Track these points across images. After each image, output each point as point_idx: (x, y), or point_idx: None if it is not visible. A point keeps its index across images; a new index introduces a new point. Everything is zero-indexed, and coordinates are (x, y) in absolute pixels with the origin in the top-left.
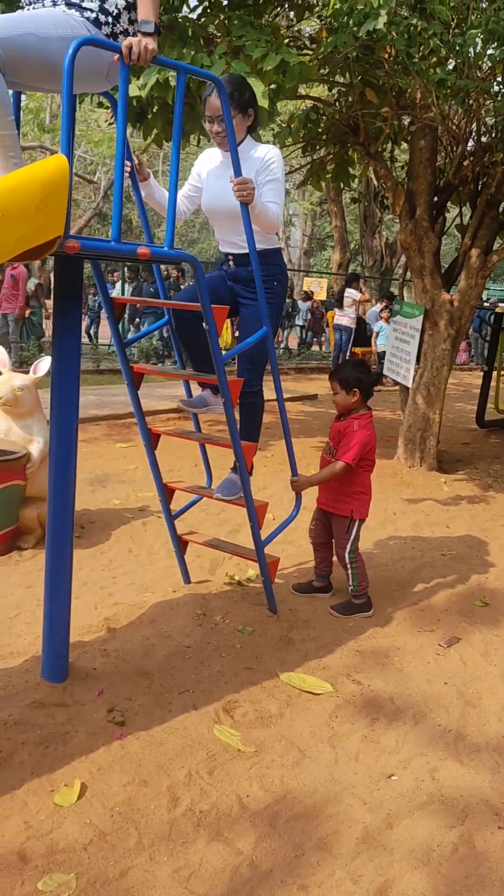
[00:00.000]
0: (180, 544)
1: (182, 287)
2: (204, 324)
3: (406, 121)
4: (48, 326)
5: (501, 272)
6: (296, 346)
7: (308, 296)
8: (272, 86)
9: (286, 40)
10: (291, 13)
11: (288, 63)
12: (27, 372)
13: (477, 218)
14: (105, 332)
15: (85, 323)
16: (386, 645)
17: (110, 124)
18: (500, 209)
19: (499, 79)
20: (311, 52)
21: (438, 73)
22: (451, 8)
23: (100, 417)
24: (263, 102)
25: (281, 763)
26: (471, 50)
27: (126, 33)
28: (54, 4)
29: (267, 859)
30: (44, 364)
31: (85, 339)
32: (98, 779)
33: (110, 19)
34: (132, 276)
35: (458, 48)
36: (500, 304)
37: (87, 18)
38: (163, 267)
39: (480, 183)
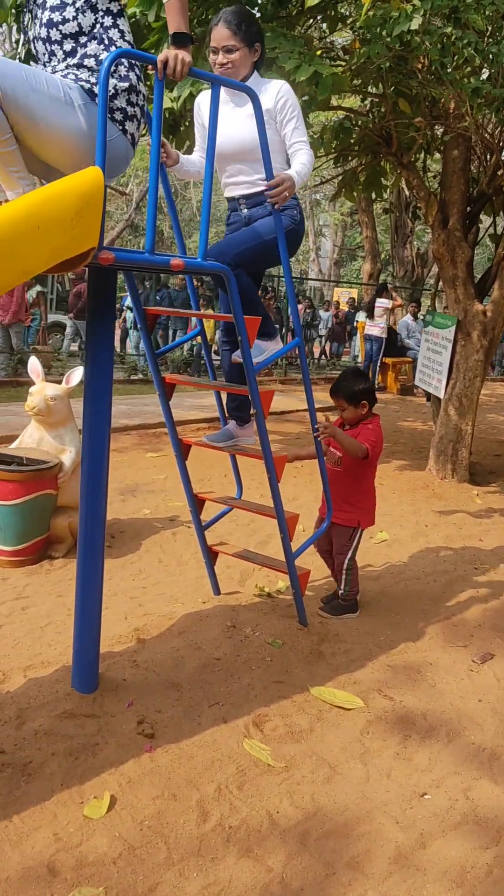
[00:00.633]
0: (210, 555)
1: (200, 297)
2: (238, 335)
3: (439, 130)
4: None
5: None
6: (317, 356)
7: (329, 305)
8: (304, 97)
9: (319, 52)
10: (324, 24)
11: (321, 74)
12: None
13: None
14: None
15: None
16: (418, 660)
17: (143, 135)
18: None
19: None
20: (343, 63)
21: (473, 82)
22: (486, 17)
23: (130, 427)
24: None
25: (311, 779)
26: None
27: (123, 112)
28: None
29: (297, 877)
30: (76, 374)
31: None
32: (127, 791)
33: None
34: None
35: (492, 57)
36: None
37: (82, 87)
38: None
39: None
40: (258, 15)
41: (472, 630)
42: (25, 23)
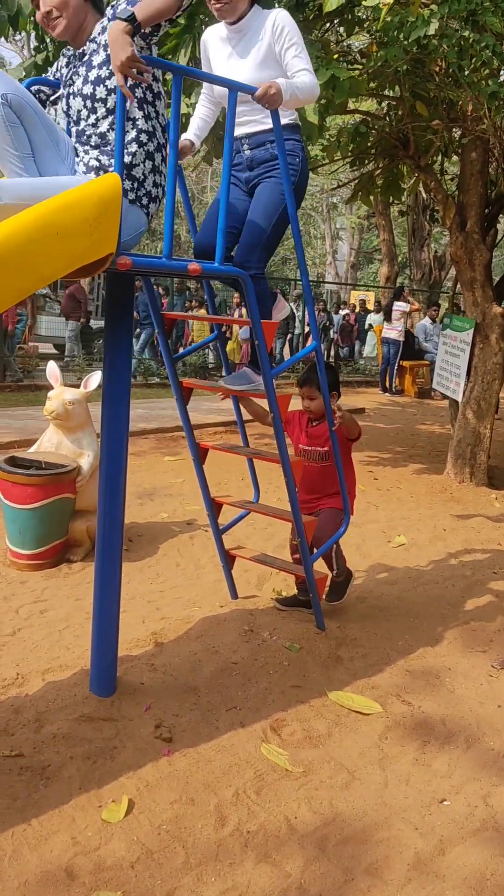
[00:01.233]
0: (228, 559)
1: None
2: (255, 340)
3: (457, 133)
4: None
5: None
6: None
7: (339, 307)
8: (322, 101)
9: (336, 56)
10: (341, 28)
11: (338, 78)
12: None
13: None
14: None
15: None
16: (437, 665)
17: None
18: None
19: None
20: (360, 67)
21: (490, 85)
22: None
23: (148, 431)
24: (313, 118)
25: (330, 784)
26: None
27: (148, 195)
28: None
29: (316, 883)
30: (94, 378)
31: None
32: (145, 795)
33: (136, 184)
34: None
35: None
36: None
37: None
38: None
39: None
40: None
41: (492, 635)
42: (64, 76)
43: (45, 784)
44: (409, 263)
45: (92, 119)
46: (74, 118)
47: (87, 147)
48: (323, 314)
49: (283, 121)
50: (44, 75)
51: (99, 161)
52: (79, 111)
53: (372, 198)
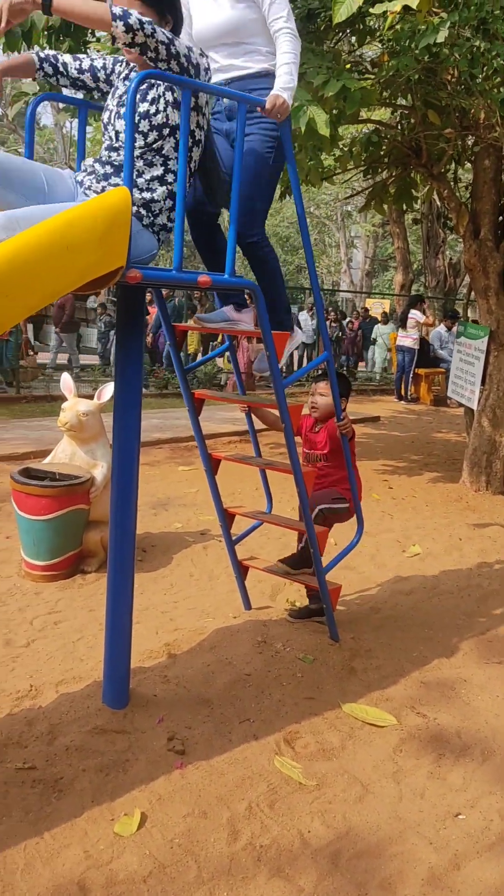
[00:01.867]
0: (241, 569)
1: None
2: (266, 352)
3: (470, 141)
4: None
5: None
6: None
7: (342, 315)
8: (334, 111)
9: (348, 65)
10: (353, 38)
11: (349, 88)
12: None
13: None
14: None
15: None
16: (452, 676)
17: None
18: None
19: None
20: (372, 77)
21: (502, 92)
22: None
23: (162, 441)
24: (325, 130)
25: (343, 798)
26: None
27: (163, 227)
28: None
29: None
30: (108, 390)
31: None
32: (158, 809)
33: (151, 215)
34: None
35: None
36: None
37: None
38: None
39: None
40: None
41: None
42: (116, 77)
43: (58, 797)
44: (424, 271)
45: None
46: (113, 138)
47: (107, 168)
48: (335, 324)
49: (259, 67)
50: (80, 59)
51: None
52: (118, 133)
53: (385, 206)
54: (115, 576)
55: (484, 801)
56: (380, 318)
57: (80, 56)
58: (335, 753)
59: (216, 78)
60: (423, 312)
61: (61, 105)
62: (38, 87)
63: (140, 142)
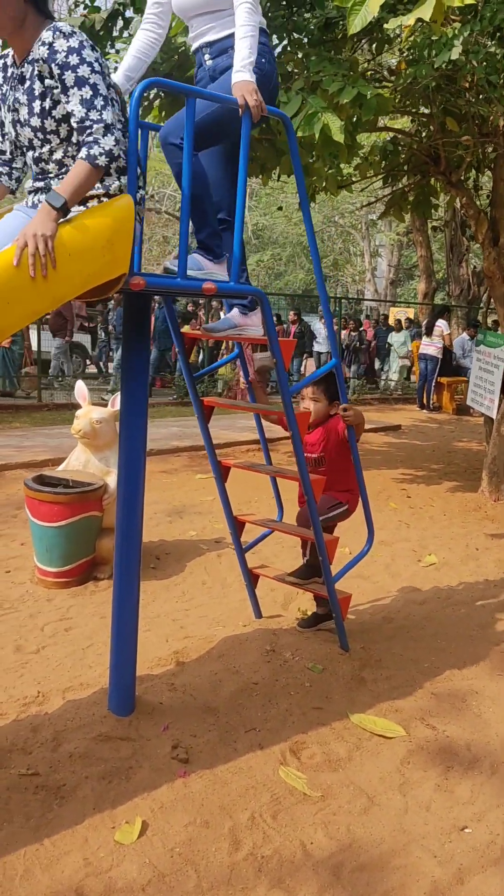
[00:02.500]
0: (251, 578)
1: (196, 319)
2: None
3: (489, 148)
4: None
5: None
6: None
7: (358, 323)
8: (353, 119)
9: (368, 73)
10: (373, 46)
11: (364, 96)
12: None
13: None
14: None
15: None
16: (463, 688)
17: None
18: None
19: None
20: (389, 84)
21: None
22: None
23: (181, 448)
24: (339, 137)
25: (348, 810)
26: None
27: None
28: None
29: None
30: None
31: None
32: (159, 817)
33: None
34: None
35: None
36: None
37: None
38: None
39: None
40: (305, 40)
41: None
42: (3, 90)
43: (60, 804)
44: (448, 279)
45: (46, 148)
46: (26, 144)
47: (42, 176)
48: (354, 334)
49: (233, 30)
50: None
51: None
52: (30, 140)
53: (408, 214)
54: (121, 582)
55: (491, 814)
56: (393, 326)
57: None
58: (341, 764)
59: (196, 43)
60: (448, 323)
61: None
62: None
63: (55, 140)
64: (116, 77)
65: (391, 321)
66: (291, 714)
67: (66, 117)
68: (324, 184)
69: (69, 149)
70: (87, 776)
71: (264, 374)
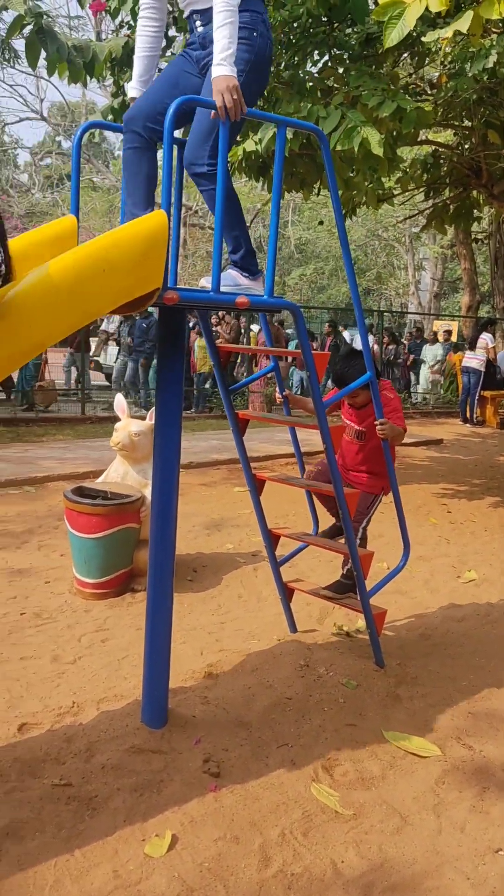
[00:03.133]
0: (286, 592)
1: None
2: (304, 371)
3: None
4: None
5: None
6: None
7: (393, 337)
8: (394, 132)
9: (409, 86)
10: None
11: (404, 109)
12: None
13: None
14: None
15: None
16: (502, 708)
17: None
18: None
19: None
20: (431, 98)
21: None
22: None
23: (220, 462)
24: (378, 151)
25: (380, 829)
26: None
27: None
28: None
29: None
30: None
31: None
32: (189, 831)
33: None
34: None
35: None
36: None
37: None
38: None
39: None
40: (346, 55)
41: None
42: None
43: (91, 815)
44: (493, 292)
45: None
46: None
47: None
48: (390, 347)
49: None
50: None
51: None
52: None
53: (450, 226)
54: (155, 595)
55: None
56: (428, 339)
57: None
58: (374, 783)
59: (187, 10)
60: (493, 336)
61: None
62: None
63: None
64: (130, 88)
65: (427, 334)
66: (324, 730)
67: None
68: (364, 198)
69: None
70: (118, 788)
71: None
